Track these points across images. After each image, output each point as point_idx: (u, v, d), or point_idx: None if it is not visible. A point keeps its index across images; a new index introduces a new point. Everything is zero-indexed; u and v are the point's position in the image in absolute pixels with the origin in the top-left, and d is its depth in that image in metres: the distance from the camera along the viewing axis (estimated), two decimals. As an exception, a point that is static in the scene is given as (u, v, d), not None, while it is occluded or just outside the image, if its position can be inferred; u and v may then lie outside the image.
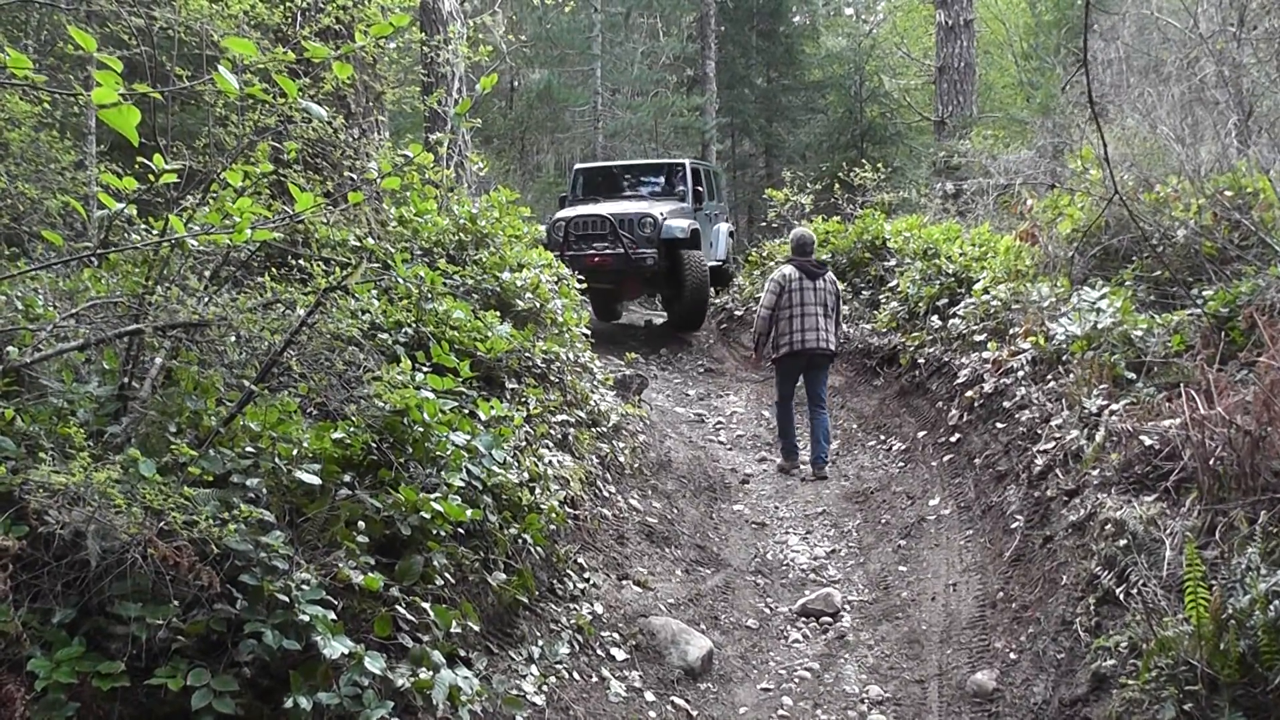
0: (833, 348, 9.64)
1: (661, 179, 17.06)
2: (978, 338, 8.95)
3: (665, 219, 14.68)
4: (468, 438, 5.11)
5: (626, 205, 15.40)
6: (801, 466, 9.79)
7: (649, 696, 5.38)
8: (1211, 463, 4.95)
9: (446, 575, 4.54)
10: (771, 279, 9.76)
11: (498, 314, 7.06)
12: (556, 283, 8.93)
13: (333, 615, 3.69)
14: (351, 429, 4.60)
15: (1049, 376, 7.36)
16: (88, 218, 6.37)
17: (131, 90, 3.02)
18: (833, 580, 7.23)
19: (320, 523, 4.17)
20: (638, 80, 27.36)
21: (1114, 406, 6.20)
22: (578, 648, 5.39)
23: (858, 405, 11.12)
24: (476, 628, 4.59)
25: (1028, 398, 7.37)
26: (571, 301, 8.91)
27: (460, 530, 4.80)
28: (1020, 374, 7.72)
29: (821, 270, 9.73)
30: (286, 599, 3.59)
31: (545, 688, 4.83)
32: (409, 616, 4.15)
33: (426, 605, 4.26)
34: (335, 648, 3.58)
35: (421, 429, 4.87)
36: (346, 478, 4.48)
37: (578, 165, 18.14)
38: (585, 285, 9.93)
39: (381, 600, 4.09)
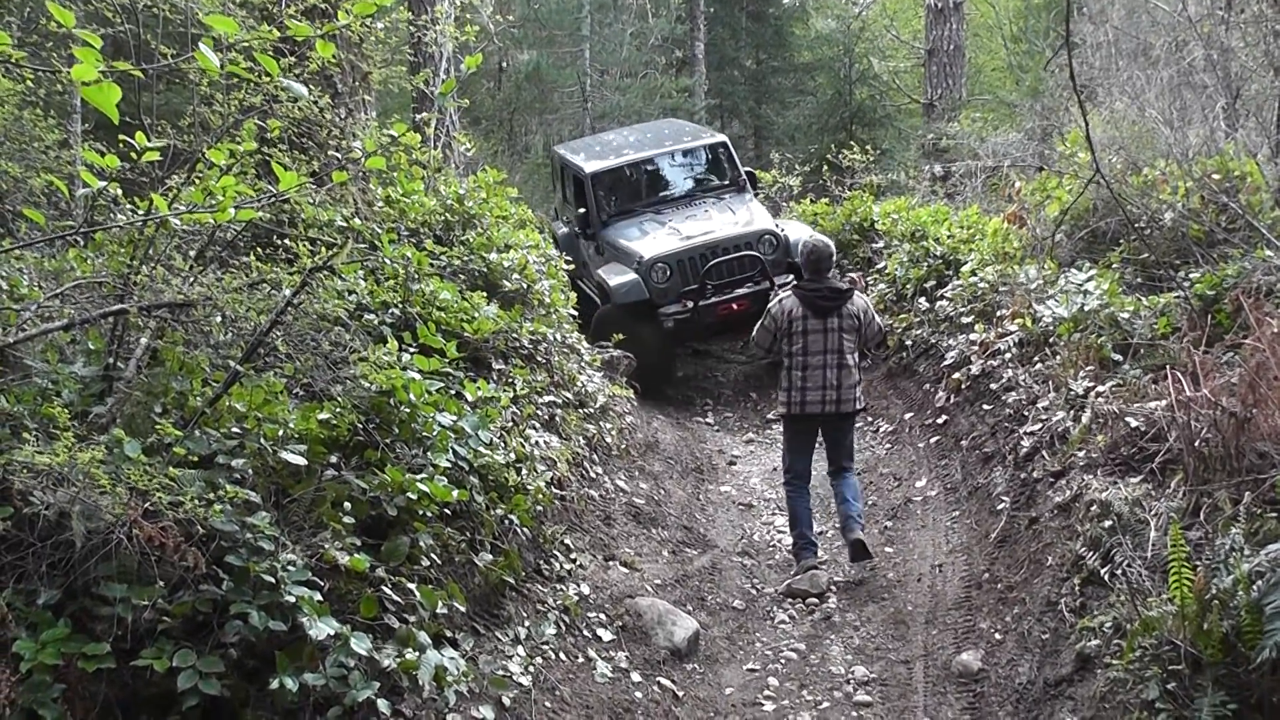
0: (850, 407, 6.97)
1: (704, 166, 12.93)
2: (965, 320, 8.94)
3: (785, 233, 11.26)
4: (454, 418, 5.11)
5: (723, 219, 11.65)
6: (820, 570, 6.94)
7: (635, 677, 5.40)
8: (1197, 444, 4.96)
9: (433, 556, 4.54)
10: (769, 311, 7.08)
11: (485, 295, 7.05)
12: (544, 263, 8.90)
13: (319, 596, 3.70)
14: (337, 410, 4.59)
15: (1036, 358, 7.37)
16: (71, 197, 6.34)
17: (112, 68, 2.99)
18: (819, 561, 7.24)
19: (306, 503, 4.17)
20: (626, 61, 27.17)
21: (1100, 388, 6.22)
22: (564, 628, 5.40)
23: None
24: (463, 608, 4.60)
25: (1015, 380, 7.37)
26: (559, 282, 8.89)
27: (446, 511, 4.80)
28: (1007, 356, 7.72)
29: (838, 302, 6.91)
30: (272, 580, 3.60)
31: (532, 668, 4.84)
32: (395, 597, 4.16)
33: (413, 586, 4.26)
34: (321, 628, 3.59)
35: (408, 410, 4.86)
36: (332, 458, 4.49)
37: (590, 168, 12.41)
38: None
39: (367, 581, 4.10)
